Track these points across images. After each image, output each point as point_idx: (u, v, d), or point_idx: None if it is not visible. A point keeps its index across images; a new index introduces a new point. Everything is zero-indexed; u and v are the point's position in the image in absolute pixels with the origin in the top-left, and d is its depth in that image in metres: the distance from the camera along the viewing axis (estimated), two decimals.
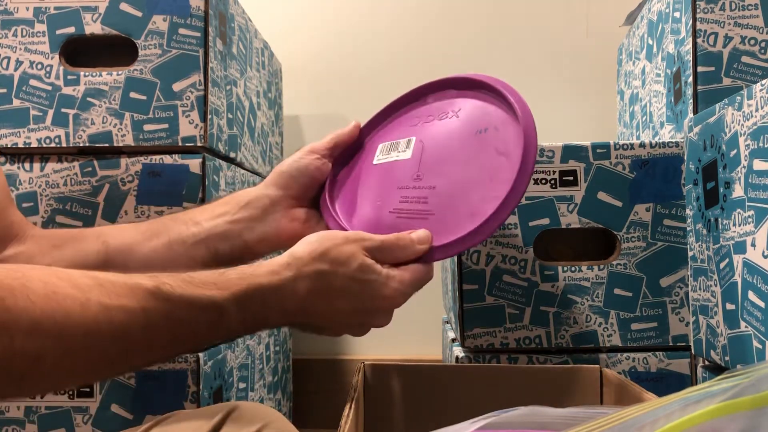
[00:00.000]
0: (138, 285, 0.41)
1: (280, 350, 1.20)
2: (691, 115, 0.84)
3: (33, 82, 0.83)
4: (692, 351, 0.70)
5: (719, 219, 0.62)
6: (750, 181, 0.55)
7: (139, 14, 0.82)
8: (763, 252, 0.53)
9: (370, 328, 0.58)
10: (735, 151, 0.58)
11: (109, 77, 0.82)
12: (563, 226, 0.85)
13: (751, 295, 0.55)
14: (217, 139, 0.86)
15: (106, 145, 0.82)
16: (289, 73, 1.40)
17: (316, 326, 0.55)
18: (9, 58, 0.83)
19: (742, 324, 0.57)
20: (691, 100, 0.85)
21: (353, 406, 0.60)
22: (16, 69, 0.83)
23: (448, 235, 0.62)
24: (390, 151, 0.71)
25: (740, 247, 0.57)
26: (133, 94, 0.82)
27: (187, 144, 0.82)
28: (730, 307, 0.59)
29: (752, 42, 0.83)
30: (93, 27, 0.83)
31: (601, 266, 0.85)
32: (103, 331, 0.38)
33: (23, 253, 0.55)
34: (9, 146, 0.82)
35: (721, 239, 0.61)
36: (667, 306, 0.84)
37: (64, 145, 0.82)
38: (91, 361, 0.39)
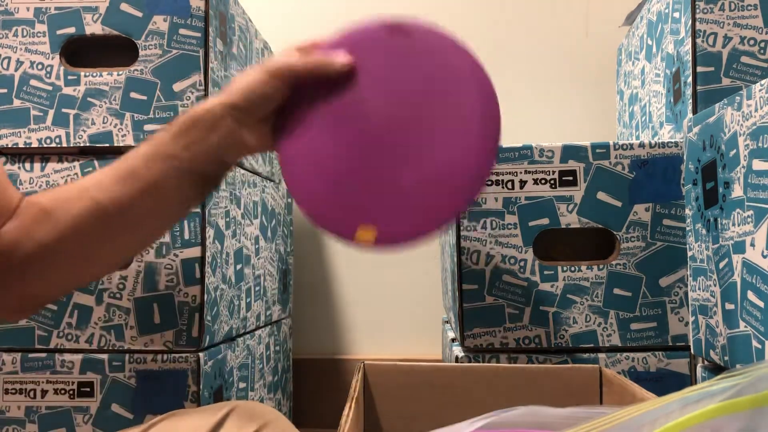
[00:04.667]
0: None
1: (280, 350, 1.20)
2: (690, 115, 0.84)
3: (33, 83, 0.83)
4: (691, 351, 0.70)
5: (718, 219, 0.62)
6: (749, 181, 0.55)
7: (140, 14, 0.83)
8: (763, 252, 0.53)
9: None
10: (734, 151, 0.58)
11: (109, 77, 0.83)
12: (563, 226, 0.85)
13: (751, 295, 0.55)
14: None
15: (107, 145, 0.82)
16: None
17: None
18: (9, 59, 0.83)
19: (742, 324, 0.57)
20: (691, 100, 0.85)
21: (353, 405, 0.60)
22: (16, 69, 0.83)
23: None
24: None
25: (739, 247, 0.57)
26: (133, 95, 0.82)
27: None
28: (729, 306, 0.60)
29: (752, 42, 0.83)
30: (93, 27, 0.83)
31: (601, 266, 0.85)
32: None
33: (17, 227, 0.55)
34: (9, 146, 0.83)
35: (720, 239, 0.61)
36: (667, 306, 0.84)
37: (64, 145, 0.82)
38: None
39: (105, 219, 0.57)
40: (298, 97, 0.63)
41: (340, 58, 0.62)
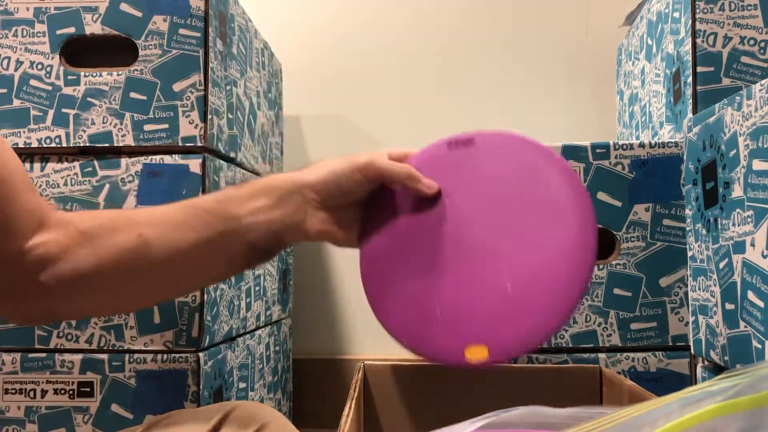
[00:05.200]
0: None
1: (280, 350, 1.20)
2: (690, 115, 0.84)
3: (33, 83, 0.83)
4: (692, 351, 0.70)
5: (718, 219, 0.62)
6: (749, 181, 0.55)
7: (140, 14, 0.82)
8: (763, 252, 0.53)
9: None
10: (734, 151, 0.58)
11: (109, 77, 0.82)
12: None
13: (751, 295, 0.55)
14: (217, 139, 0.86)
15: (107, 145, 0.82)
16: (289, 73, 1.40)
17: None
18: (9, 59, 0.83)
19: (742, 324, 0.57)
20: (691, 100, 0.85)
21: (353, 405, 0.60)
22: (16, 69, 0.83)
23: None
24: None
25: (740, 247, 0.57)
26: (133, 94, 0.82)
27: (187, 144, 0.82)
28: (729, 306, 0.60)
29: (751, 42, 0.83)
30: (93, 27, 0.83)
31: (601, 266, 0.85)
32: None
33: (53, 242, 0.52)
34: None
35: (720, 239, 0.61)
36: (667, 306, 0.84)
37: (64, 145, 0.82)
38: None
39: (149, 260, 0.55)
40: (381, 203, 0.60)
41: (430, 184, 0.60)
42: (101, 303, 0.58)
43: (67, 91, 0.83)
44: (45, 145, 0.82)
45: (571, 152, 0.85)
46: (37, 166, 0.83)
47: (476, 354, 0.54)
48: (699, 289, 0.67)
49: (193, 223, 0.56)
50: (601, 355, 0.84)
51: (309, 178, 0.58)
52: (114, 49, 0.85)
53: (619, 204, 0.85)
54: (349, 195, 0.59)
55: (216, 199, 0.58)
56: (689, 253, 0.70)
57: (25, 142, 0.82)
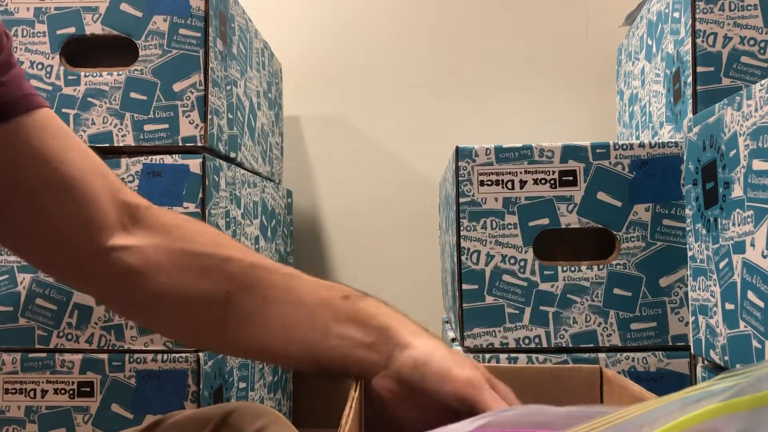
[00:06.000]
0: None
1: None
2: (690, 115, 0.84)
3: (33, 83, 0.83)
4: (692, 351, 0.70)
5: (718, 219, 0.62)
6: (749, 181, 0.55)
7: (140, 14, 0.82)
8: (763, 252, 0.53)
9: None
10: (734, 151, 0.58)
11: (109, 77, 0.82)
12: (563, 226, 0.85)
13: (751, 295, 0.55)
14: (217, 139, 0.86)
15: (107, 145, 0.82)
16: (289, 73, 1.40)
17: None
18: None
19: (742, 324, 0.57)
20: (691, 100, 0.85)
21: (353, 406, 0.60)
22: None
23: None
24: None
25: (739, 247, 0.57)
26: (133, 94, 0.82)
27: (187, 144, 0.82)
28: (729, 306, 0.60)
29: (751, 42, 0.83)
30: (93, 27, 0.83)
31: (601, 266, 0.85)
32: None
33: (138, 249, 0.48)
34: None
35: (720, 239, 0.61)
36: (667, 306, 0.84)
37: None
38: None
39: (232, 319, 0.51)
40: None
41: None
42: (173, 329, 0.55)
43: (68, 91, 0.83)
44: None
45: (571, 152, 0.85)
46: None
47: None
48: (699, 289, 0.67)
49: (298, 322, 0.52)
50: (601, 355, 0.84)
51: (409, 353, 0.51)
52: (114, 49, 0.85)
53: (619, 204, 0.85)
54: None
55: (332, 318, 0.53)
56: (689, 253, 0.70)
57: None
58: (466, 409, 0.48)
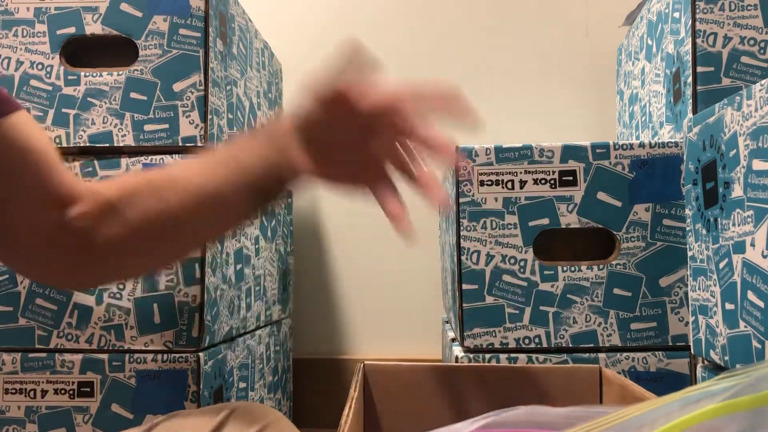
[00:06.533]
0: None
1: (280, 350, 1.20)
2: (690, 115, 0.84)
3: (33, 83, 0.83)
4: (692, 351, 0.70)
5: (718, 219, 0.62)
6: (749, 181, 0.55)
7: (140, 14, 0.83)
8: (763, 252, 0.53)
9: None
10: (734, 151, 0.58)
11: (109, 77, 0.83)
12: (563, 226, 0.85)
13: (751, 295, 0.55)
14: (217, 139, 0.86)
15: (107, 145, 0.82)
16: (289, 73, 1.40)
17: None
18: (10, 59, 0.83)
19: (742, 324, 0.57)
20: (691, 100, 0.85)
21: (353, 406, 0.60)
22: (16, 69, 0.83)
23: None
24: None
25: (739, 247, 0.57)
26: (133, 95, 0.82)
27: (187, 144, 0.82)
28: (729, 306, 0.60)
29: (751, 42, 0.83)
30: (93, 27, 0.83)
31: (601, 266, 0.85)
32: None
33: (87, 217, 0.55)
34: None
35: (720, 239, 0.61)
36: (667, 306, 0.84)
37: (64, 145, 0.82)
38: None
39: (173, 220, 0.57)
40: None
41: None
42: (135, 267, 0.61)
43: (68, 91, 0.83)
44: None
45: (571, 152, 0.85)
46: None
47: None
48: (699, 289, 0.67)
49: (208, 177, 0.58)
50: (601, 355, 0.84)
51: (287, 125, 0.59)
52: (114, 49, 0.85)
53: (619, 204, 0.85)
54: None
55: (226, 150, 0.60)
56: (689, 253, 0.70)
57: None
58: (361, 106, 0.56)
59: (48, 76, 0.83)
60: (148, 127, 0.82)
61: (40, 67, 0.83)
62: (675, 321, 0.84)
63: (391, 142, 0.59)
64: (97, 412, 0.79)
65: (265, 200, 0.61)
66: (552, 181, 0.85)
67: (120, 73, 0.82)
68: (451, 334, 1.03)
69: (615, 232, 0.85)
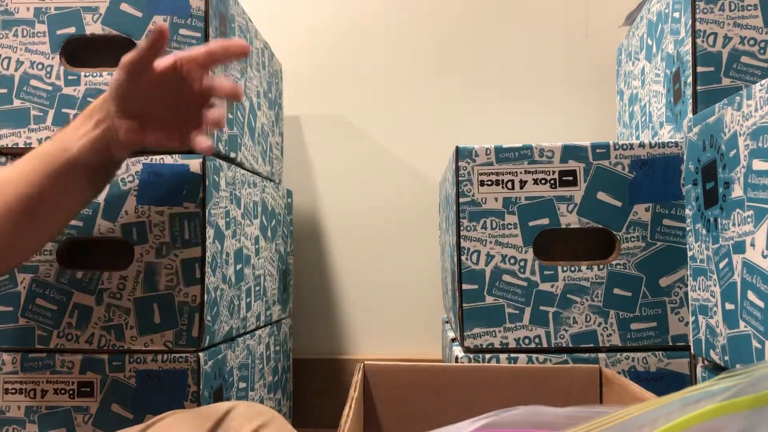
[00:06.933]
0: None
1: (280, 350, 1.20)
2: (690, 115, 0.84)
3: (33, 83, 0.83)
4: (692, 351, 0.70)
5: (718, 219, 0.62)
6: (749, 181, 0.55)
7: (140, 14, 0.82)
8: (763, 252, 0.53)
9: None
10: (734, 151, 0.58)
11: (109, 77, 0.82)
12: (563, 226, 0.85)
13: (751, 295, 0.55)
14: (217, 139, 0.86)
15: None
16: (289, 73, 1.40)
17: None
18: (9, 59, 0.83)
19: (742, 324, 0.57)
20: (691, 100, 0.85)
21: (353, 406, 0.60)
22: (16, 69, 0.83)
23: None
24: None
25: (739, 247, 0.57)
26: None
27: None
28: (729, 306, 0.60)
29: (751, 42, 0.83)
30: (93, 27, 0.83)
31: (601, 266, 0.85)
32: None
33: None
34: (10, 146, 0.83)
35: (720, 239, 0.61)
36: (667, 306, 0.84)
37: None
38: None
39: (11, 216, 0.63)
40: None
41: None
42: None
43: (68, 91, 0.83)
44: None
45: (571, 152, 0.85)
46: None
47: None
48: (699, 289, 0.67)
49: (39, 170, 0.64)
50: (601, 355, 0.84)
51: (108, 93, 0.67)
52: (114, 49, 0.85)
53: (619, 204, 0.85)
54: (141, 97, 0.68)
55: (53, 140, 0.67)
56: (689, 253, 0.70)
57: (25, 142, 0.82)
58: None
59: (48, 76, 0.83)
60: None
61: (40, 67, 0.83)
62: (675, 321, 0.84)
63: (186, 91, 0.69)
64: (97, 412, 0.79)
65: (102, 174, 0.70)
66: (552, 181, 0.85)
67: None
68: (451, 334, 1.03)
69: (615, 232, 0.85)
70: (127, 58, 0.65)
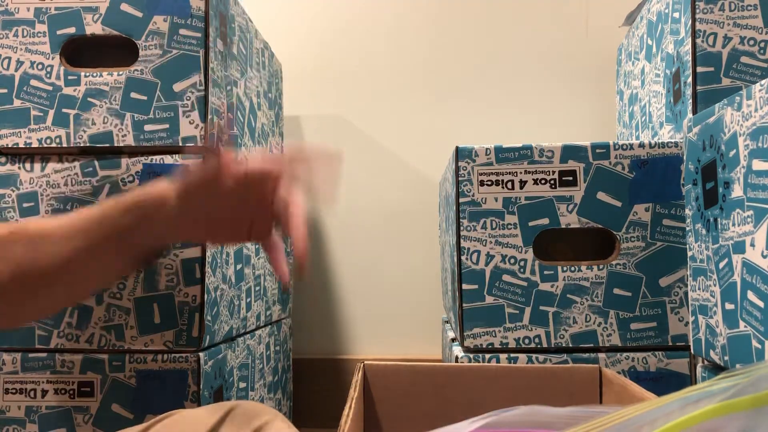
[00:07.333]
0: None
1: (280, 350, 1.20)
2: (690, 115, 0.84)
3: (34, 83, 0.83)
4: (691, 351, 0.70)
5: (718, 219, 0.62)
6: (749, 181, 0.55)
7: (140, 15, 0.83)
8: (762, 252, 0.53)
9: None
10: (734, 151, 0.58)
11: (109, 77, 0.83)
12: (563, 226, 0.85)
13: (751, 295, 0.55)
14: (217, 139, 0.86)
15: (107, 145, 0.82)
16: (289, 73, 1.40)
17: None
18: (10, 59, 0.83)
19: (742, 324, 0.57)
20: (691, 101, 0.85)
21: (353, 406, 0.60)
22: (16, 69, 0.83)
23: None
24: None
25: (739, 247, 0.57)
26: (133, 95, 0.82)
27: (187, 144, 0.82)
28: (729, 306, 0.60)
29: (751, 42, 0.83)
30: (93, 27, 0.83)
31: (601, 266, 0.85)
32: None
33: None
34: (10, 146, 0.83)
35: (720, 239, 0.61)
36: (667, 306, 0.84)
37: (64, 145, 0.82)
38: None
39: (40, 271, 0.58)
40: None
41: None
42: (5, 316, 0.60)
43: (68, 91, 0.83)
44: (45, 145, 0.82)
45: (571, 152, 0.85)
46: (37, 166, 0.83)
47: None
48: (699, 289, 0.67)
49: (80, 234, 0.59)
50: (601, 355, 0.84)
51: (167, 191, 0.62)
52: (114, 49, 0.85)
53: (619, 204, 0.85)
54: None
55: (102, 210, 0.61)
56: (689, 253, 0.70)
57: (25, 142, 0.82)
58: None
59: (48, 76, 0.83)
60: (148, 128, 0.82)
61: (40, 67, 0.83)
62: (675, 321, 0.84)
63: (260, 207, 0.62)
64: (98, 412, 0.79)
65: (144, 261, 0.65)
66: (552, 181, 0.85)
67: (120, 73, 0.82)
68: (451, 334, 1.03)
69: (615, 232, 0.85)
70: (202, 163, 0.62)
